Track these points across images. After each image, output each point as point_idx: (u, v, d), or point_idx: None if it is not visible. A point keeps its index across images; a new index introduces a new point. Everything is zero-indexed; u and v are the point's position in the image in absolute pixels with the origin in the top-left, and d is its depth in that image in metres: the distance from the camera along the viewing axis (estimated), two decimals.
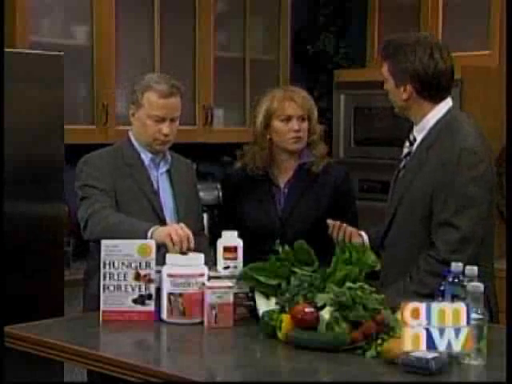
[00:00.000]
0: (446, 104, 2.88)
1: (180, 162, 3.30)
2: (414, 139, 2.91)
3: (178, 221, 3.09)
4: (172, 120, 3.12)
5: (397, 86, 2.87)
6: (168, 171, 3.21)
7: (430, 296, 2.55)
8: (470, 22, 4.84)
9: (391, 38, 2.95)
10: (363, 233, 3.09)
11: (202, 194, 4.05)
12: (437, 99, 2.86)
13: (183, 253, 2.78)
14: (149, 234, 2.86)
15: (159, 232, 2.85)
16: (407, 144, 2.96)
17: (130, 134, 3.21)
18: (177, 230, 2.82)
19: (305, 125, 3.31)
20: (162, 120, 3.10)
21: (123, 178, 3.12)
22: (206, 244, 3.31)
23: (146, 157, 3.18)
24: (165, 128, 3.10)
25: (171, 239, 2.80)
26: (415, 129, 2.91)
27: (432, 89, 2.84)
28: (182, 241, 2.80)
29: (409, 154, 2.93)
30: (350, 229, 3.09)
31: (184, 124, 4.54)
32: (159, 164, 3.20)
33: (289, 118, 3.29)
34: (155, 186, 3.17)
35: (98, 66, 4.30)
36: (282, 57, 5.19)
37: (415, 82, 2.83)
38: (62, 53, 3.80)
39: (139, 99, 3.11)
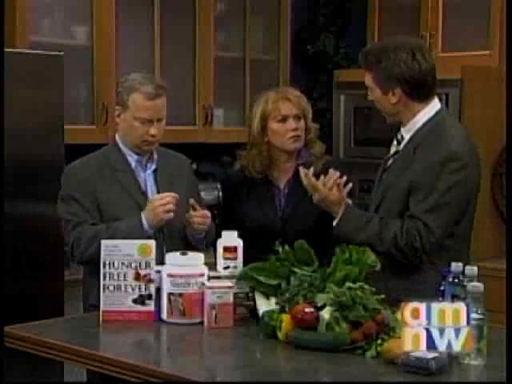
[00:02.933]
0: (435, 106, 2.93)
1: (173, 159, 3.28)
2: (402, 138, 2.96)
3: (167, 219, 3.10)
4: (158, 120, 3.10)
5: (384, 93, 2.90)
6: (155, 171, 3.20)
7: (381, 253, 2.75)
8: (470, 22, 4.84)
9: (369, 48, 3.01)
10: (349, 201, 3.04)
11: (202, 194, 4.04)
12: (425, 99, 2.90)
13: (183, 253, 2.78)
14: (146, 227, 2.98)
15: (150, 219, 2.99)
16: (395, 143, 3.00)
17: (117, 136, 3.19)
18: (159, 203, 2.97)
19: (301, 123, 3.31)
20: (149, 121, 3.08)
21: (109, 184, 3.10)
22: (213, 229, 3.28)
23: (132, 159, 3.15)
24: (152, 129, 3.08)
25: (164, 212, 2.95)
26: (403, 129, 2.96)
27: (420, 89, 2.88)
28: (169, 202, 2.96)
29: (396, 152, 2.98)
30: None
31: (184, 124, 4.59)
32: (146, 165, 3.18)
33: (285, 118, 3.29)
34: (143, 187, 3.14)
35: (98, 66, 4.30)
36: (282, 57, 5.20)
37: (403, 84, 2.86)
38: (62, 53, 3.80)
39: (125, 101, 3.08)
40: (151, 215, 2.99)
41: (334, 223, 2.96)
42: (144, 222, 2.98)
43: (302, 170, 3.08)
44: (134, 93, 3.07)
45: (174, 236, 3.11)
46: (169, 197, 2.99)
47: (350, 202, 3.01)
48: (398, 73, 2.85)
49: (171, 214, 2.98)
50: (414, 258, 2.83)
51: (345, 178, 2.99)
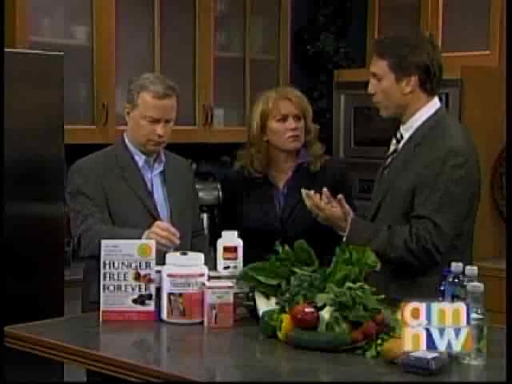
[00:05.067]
0: (435, 104, 2.93)
1: (176, 162, 3.28)
2: (401, 137, 2.95)
3: (172, 222, 3.10)
4: (167, 121, 3.10)
5: (398, 81, 2.89)
6: (162, 172, 3.19)
7: (392, 260, 2.78)
8: (470, 21, 4.84)
9: (386, 36, 3.03)
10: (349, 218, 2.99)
11: (201, 194, 4.06)
12: (432, 93, 2.92)
13: (183, 253, 2.78)
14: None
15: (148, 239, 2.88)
16: (394, 141, 3.00)
17: (125, 135, 3.20)
18: (160, 234, 2.85)
19: (301, 124, 3.31)
20: (156, 121, 3.08)
21: (116, 182, 3.10)
22: (206, 244, 3.31)
23: (139, 158, 3.15)
24: (159, 129, 3.08)
25: (161, 245, 2.84)
26: (402, 127, 2.95)
27: (433, 80, 2.89)
28: (170, 239, 2.85)
29: (395, 151, 2.97)
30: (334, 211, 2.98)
31: (184, 124, 4.58)
32: (153, 165, 3.18)
33: (285, 118, 3.29)
34: (149, 187, 3.14)
35: (97, 66, 4.30)
36: (282, 57, 5.19)
37: (422, 72, 2.87)
38: (61, 53, 3.80)
39: (134, 99, 3.10)
40: (150, 237, 2.89)
41: (344, 238, 2.93)
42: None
43: (303, 192, 3.04)
44: (144, 91, 3.08)
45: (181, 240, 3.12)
46: (167, 232, 2.87)
47: (352, 214, 2.98)
48: (418, 61, 2.86)
49: (164, 249, 2.87)
50: (428, 260, 2.79)
51: (340, 195, 2.97)
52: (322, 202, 2.98)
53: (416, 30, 3.04)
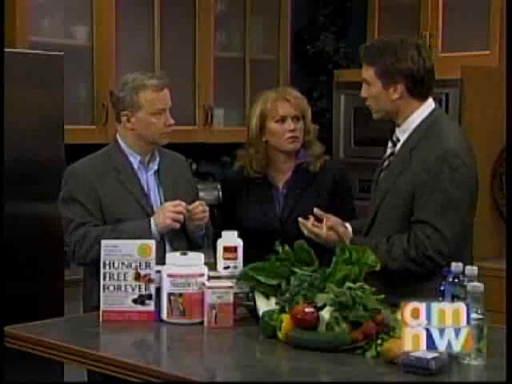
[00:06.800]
0: (429, 105, 2.91)
1: (172, 158, 3.27)
2: (398, 140, 2.93)
3: None
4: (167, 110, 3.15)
5: (385, 88, 2.87)
6: (157, 171, 3.18)
7: (393, 272, 2.75)
8: (470, 21, 4.84)
9: (372, 43, 3.00)
10: (347, 224, 3.01)
11: (202, 194, 4.05)
12: (424, 97, 2.89)
13: (183, 253, 2.78)
14: (154, 231, 2.98)
15: (159, 222, 3.00)
16: (390, 144, 2.98)
17: (118, 137, 3.18)
18: (170, 210, 2.99)
19: (300, 124, 3.31)
20: (163, 112, 3.10)
21: (112, 184, 3.09)
22: (210, 234, 3.27)
23: (134, 159, 3.14)
24: (170, 119, 3.11)
25: (173, 220, 2.97)
26: (398, 130, 2.94)
27: (421, 86, 2.86)
28: (180, 212, 3.00)
29: (392, 154, 2.96)
30: (333, 219, 2.99)
31: (184, 124, 4.59)
32: (148, 165, 3.17)
33: (283, 119, 3.28)
34: (145, 188, 3.14)
35: (97, 66, 4.31)
36: (282, 57, 5.20)
37: (408, 80, 2.84)
38: (61, 53, 3.81)
39: (134, 101, 3.07)
40: (160, 218, 2.99)
41: None
42: (153, 226, 2.99)
43: (300, 220, 3.00)
44: (142, 90, 3.08)
45: (180, 235, 3.11)
46: (181, 206, 2.99)
47: (350, 232, 2.95)
48: (404, 68, 2.83)
49: (177, 225, 2.99)
50: (431, 265, 2.74)
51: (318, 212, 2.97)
52: (315, 228, 2.96)
53: (401, 34, 2.96)
